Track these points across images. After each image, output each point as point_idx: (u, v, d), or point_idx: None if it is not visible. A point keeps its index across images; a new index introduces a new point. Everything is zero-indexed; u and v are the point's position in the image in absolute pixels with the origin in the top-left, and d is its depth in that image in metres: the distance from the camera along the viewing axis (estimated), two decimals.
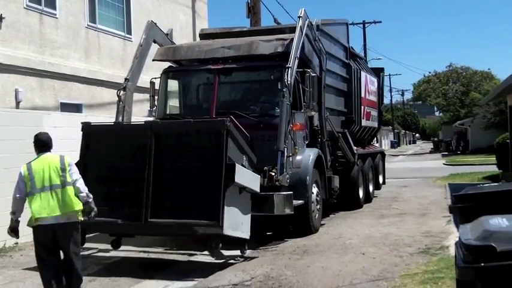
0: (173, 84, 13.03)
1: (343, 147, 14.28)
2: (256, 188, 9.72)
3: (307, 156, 11.71)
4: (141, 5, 20.44)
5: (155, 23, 13.07)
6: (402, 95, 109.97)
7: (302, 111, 11.88)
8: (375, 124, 19.05)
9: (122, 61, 19.42)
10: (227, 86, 12.35)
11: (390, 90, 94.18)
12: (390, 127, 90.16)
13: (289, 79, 10.86)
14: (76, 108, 16.86)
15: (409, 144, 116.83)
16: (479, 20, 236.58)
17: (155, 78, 12.43)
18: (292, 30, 12.64)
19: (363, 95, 16.77)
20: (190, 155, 8.98)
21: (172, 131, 9.81)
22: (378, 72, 20.22)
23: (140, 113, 18.58)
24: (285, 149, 10.50)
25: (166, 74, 12.69)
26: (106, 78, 18.23)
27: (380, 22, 56.09)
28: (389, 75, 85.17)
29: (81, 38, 17.73)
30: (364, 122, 16.94)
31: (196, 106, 12.65)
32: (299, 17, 12.05)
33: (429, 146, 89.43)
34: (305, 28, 12.08)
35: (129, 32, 19.85)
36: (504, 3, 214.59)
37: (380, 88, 20.11)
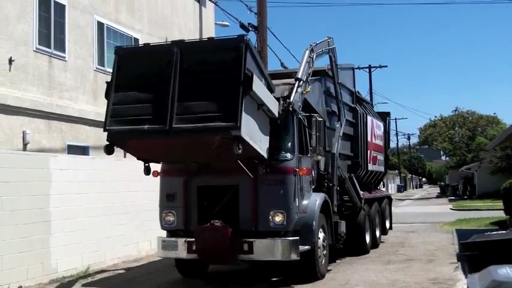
0: None
1: (350, 192, 14.22)
2: (275, 111, 10.55)
3: (314, 201, 11.64)
4: None
5: None
6: (408, 139, 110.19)
7: (309, 155, 11.87)
8: (381, 168, 19.00)
9: None
10: None
11: (396, 134, 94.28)
12: (396, 171, 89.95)
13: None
14: (83, 150, 16.92)
15: (416, 188, 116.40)
16: (485, 64, 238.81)
17: None
18: None
19: (369, 139, 16.78)
20: (213, 68, 9.59)
21: (195, 47, 10.60)
22: (384, 116, 20.28)
23: None
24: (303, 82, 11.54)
25: None
26: None
27: (386, 66, 55.98)
28: (395, 119, 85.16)
29: (90, 80, 17.90)
30: (370, 167, 16.90)
31: None
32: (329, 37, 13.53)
33: (436, 190, 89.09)
34: (332, 46, 13.50)
35: None
36: (509, 47, 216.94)
37: (386, 132, 20.13)
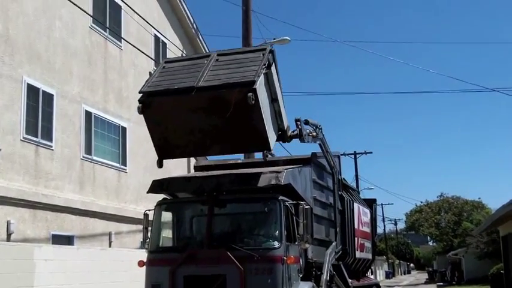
0: (167, 216, 12.98)
1: (337, 282, 14.05)
2: (284, 120, 11.89)
3: None
4: (136, 136, 20.73)
5: None
6: (395, 224, 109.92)
7: (296, 243, 11.79)
8: (369, 256, 18.87)
9: (115, 192, 19.50)
10: (221, 218, 12.30)
11: (383, 220, 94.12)
12: (384, 257, 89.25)
13: None
14: (68, 240, 16.71)
15: (404, 274, 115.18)
16: (468, 149, 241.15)
17: (149, 210, 12.41)
18: (286, 162, 12.84)
19: (356, 227, 16.74)
20: (241, 61, 11.29)
21: (230, 51, 12.11)
22: (370, 203, 20.33)
23: (133, 244, 18.45)
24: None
25: (160, 206, 12.67)
26: (99, 209, 18.21)
27: (371, 153, 56.71)
28: (382, 204, 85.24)
29: (76, 169, 17.89)
30: (358, 254, 16.79)
31: (190, 238, 12.56)
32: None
33: (424, 276, 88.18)
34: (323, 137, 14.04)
35: (124, 163, 20.09)
36: (492, 133, 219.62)
37: (373, 219, 20.13)
